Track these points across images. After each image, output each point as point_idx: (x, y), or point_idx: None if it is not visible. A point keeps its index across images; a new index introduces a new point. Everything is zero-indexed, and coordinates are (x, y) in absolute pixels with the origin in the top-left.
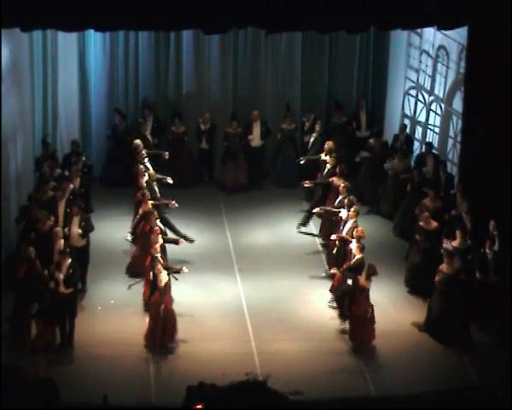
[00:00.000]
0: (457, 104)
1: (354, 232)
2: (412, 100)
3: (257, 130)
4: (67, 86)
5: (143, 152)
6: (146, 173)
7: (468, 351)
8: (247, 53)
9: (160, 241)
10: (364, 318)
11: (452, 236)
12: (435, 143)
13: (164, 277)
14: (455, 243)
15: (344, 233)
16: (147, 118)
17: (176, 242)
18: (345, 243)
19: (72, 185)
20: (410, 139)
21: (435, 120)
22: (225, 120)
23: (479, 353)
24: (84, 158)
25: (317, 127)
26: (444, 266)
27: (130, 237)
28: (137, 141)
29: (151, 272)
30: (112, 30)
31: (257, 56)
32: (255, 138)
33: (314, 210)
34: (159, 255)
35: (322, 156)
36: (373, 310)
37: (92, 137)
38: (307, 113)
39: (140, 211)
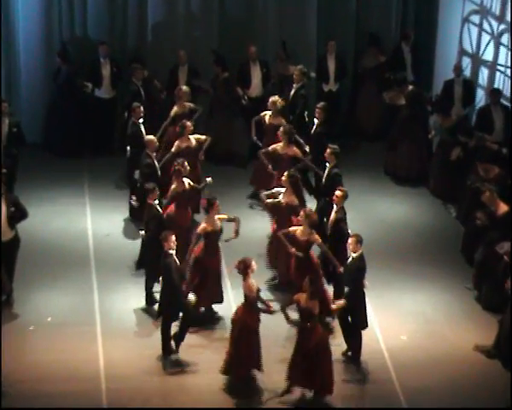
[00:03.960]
0: None
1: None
2: (474, 30)
3: (256, 74)
4: None
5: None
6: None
7: None
8: None
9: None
10: (318, 353)
11: None
12: (506, 92)
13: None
14: None
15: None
16: (101, 61)
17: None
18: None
19: None
20: (469, 86)
21: (507, 58)
22: (209, 62)
23: None
24: (8, 116)
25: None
26: None
27: None
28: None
29: (200, 274)
30: None
31: None
32: (255, 86)
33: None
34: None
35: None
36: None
37: (21, 89)
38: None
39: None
